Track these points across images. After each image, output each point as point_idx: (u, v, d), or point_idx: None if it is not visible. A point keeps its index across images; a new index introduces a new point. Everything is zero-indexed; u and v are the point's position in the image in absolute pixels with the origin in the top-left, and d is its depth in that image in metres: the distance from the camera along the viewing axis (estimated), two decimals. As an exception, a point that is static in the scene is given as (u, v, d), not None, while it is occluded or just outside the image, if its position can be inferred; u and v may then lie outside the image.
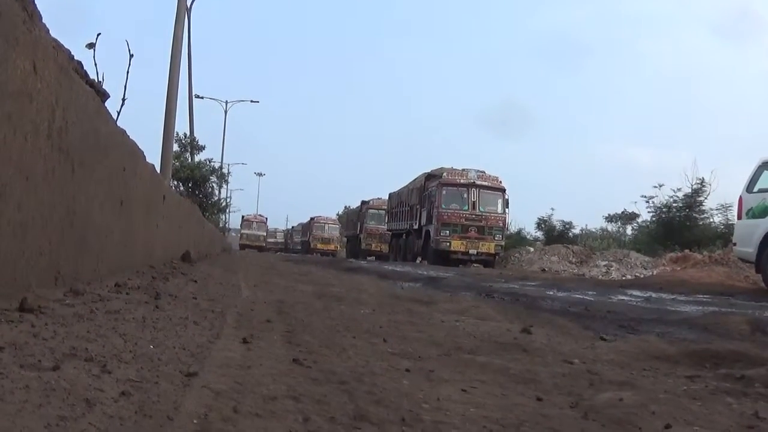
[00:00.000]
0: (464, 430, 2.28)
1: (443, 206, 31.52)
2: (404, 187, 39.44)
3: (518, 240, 44.73)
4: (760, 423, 2.59)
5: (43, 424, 1.69)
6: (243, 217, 75.97)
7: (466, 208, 31.48)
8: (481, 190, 31.87)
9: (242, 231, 75.35)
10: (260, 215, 79.50)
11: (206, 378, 2.48)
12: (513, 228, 44.71)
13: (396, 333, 4.56)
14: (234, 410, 2.13)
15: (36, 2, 3.49)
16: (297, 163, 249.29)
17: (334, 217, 69.33)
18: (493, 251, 31.74)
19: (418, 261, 32.79)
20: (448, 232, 31.20)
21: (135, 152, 6.51)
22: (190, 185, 33.96)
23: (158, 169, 10.80)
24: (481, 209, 31.66)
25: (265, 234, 77.46)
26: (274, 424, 2.07)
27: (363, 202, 51.06)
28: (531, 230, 49.35)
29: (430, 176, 34.56)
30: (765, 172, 14.48)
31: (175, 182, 29.91)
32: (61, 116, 3.74)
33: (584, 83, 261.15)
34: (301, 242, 71.73)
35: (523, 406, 2.72)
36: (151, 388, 2.20)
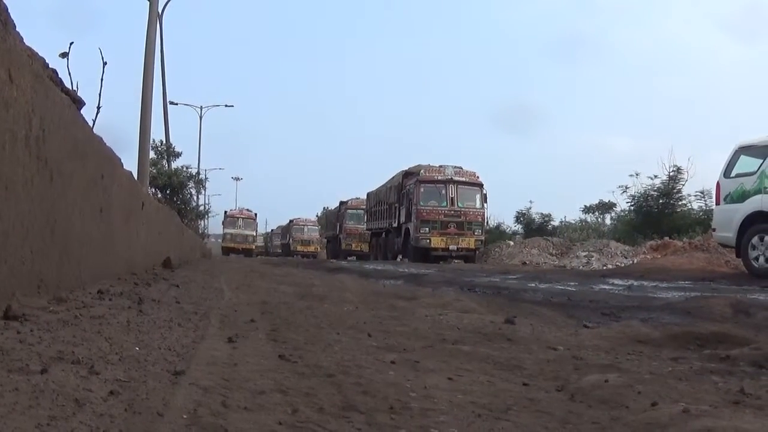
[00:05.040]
0: (452, 415, 2.30)
1: (422, 203, 31.46)
2: (382, 186, 39.34)
3: (498, 234, 44.80)
4: (746, 398, 2.63)
5: (34, 424, 1.70)
6: (226, 213, 61.84)
7: (445, 204, 31.47)
8: (459, 186, 31.86)
9: (225, 231, 60.82)
10: (247, 210, 63.49)
11: (194, 376, 2.49)
12: (492, 222, 44.91)
13: (380, 328, 4.58)
14: (223, 405, 2.15)
15: (9, 11, 3.49)
16: (274, 166, 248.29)
17: (314, 218, 68.65)
18: (473, 246, 31.75)
19: (398, 259, 32.71)
20: (427, 229, 31.17)
21: (112, 159, 6.49)
22: (168, 192, 33.76)
23: (135, 177, 10.76)
24: (460, 205, 31.65)
25: (254, 234, 63.09)
26: (263, 417, 2.09)
27: (341, 203, 50.92)
28: (510, 224, 49.59)
29: (407, 174, 34.45)
30: (742, 156, 14.61)
31: (153, 189, 29.73)
32: (38, 124, 3.73)
33: (559, 73, 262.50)
34: (281, 245, 70.55)
35: (509, 391, 2.75)
36: (139, 387, 2.21)
